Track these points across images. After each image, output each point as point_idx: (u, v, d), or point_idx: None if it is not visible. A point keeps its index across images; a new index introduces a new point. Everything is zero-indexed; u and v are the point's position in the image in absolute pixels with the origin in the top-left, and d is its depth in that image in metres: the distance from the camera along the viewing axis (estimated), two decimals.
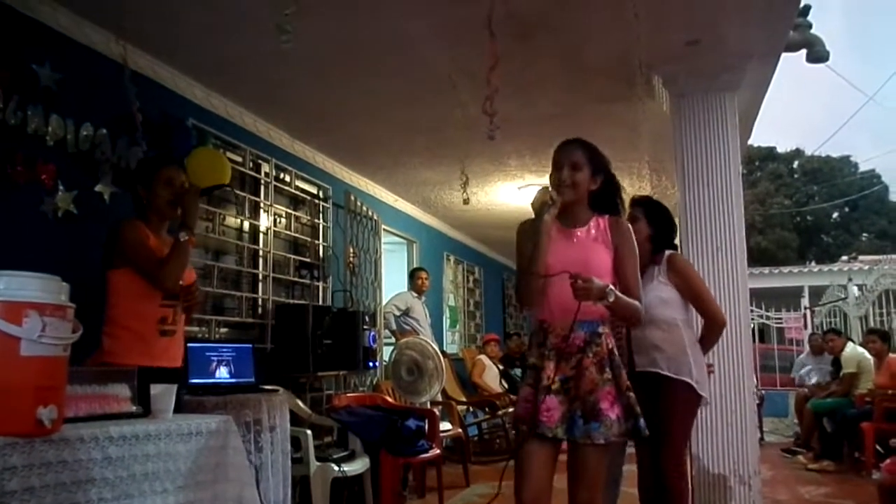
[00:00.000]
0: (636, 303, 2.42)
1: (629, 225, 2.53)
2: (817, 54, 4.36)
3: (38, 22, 3.07)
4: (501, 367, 8.27)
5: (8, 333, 1.63)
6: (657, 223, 3.32)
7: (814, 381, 8.09)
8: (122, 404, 2.13)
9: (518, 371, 8.08)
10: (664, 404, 3.12)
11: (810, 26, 4.31)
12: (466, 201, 4.64)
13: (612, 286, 2.31)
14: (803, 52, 4.36)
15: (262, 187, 4.84)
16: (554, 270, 2.36)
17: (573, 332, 2.35)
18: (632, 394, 2.39)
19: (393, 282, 7.06)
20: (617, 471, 3.71)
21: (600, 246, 2.45)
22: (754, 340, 8.92)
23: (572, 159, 2.46)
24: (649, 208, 3.36)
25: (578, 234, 2.47)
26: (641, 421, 2.37)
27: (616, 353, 2.42)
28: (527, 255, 2.43)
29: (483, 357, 8.11)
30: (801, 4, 3.96)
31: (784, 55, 3.95)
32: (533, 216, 2.49)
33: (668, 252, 3.29)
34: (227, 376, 3.53)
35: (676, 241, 3.49)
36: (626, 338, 3.36)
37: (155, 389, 2.19)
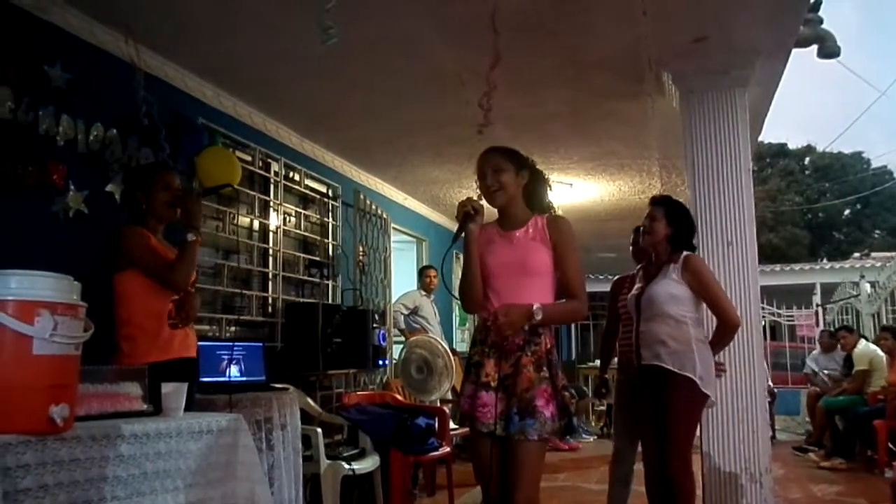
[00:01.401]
0: (570, 304, 2.48)
1: (567, 221, 2.56)
2: (828, 50, 4.32)
3: (48, 23, 3.09)
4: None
5: (20, 332, 1.64)
6: (676, 223, 3.32)
7: (826, 372, 8.06)
8: (133, 403, 2.14)
9: None
10: (667, 399, 3.13)
11: (821, 21, 4.27)
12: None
13: (536, 306, 2.36)
14: (814, 47, 4.32)
15: (272, 186, 4.85)
16: (495, 272, 2.47)
17: None
18: (567, 393, 2.45)
19: (402, 280, 7.07)
20: (628, 469, 3.71)
21: (538, 244, 2.49)
22: (765, 338, 8.88)
23: (492, 164, 2.52)
24: (669, 208, 3.35)
25: (517, 235, 2.52)
26: (574, 420, 2.50)
27: (554, 352, 2.47)
28: (463, 267, 2.53)
29: None
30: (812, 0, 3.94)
31: (795, 51, 3.92)
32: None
33: (685, 253, 3.28)
34: (238, 375, 3.55)
35: (694, 242, 3.48)
36: (635, 332, 3.36)
37: (166, 388, 2.20)
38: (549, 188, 2.66)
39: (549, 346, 2.46)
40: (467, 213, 2.46)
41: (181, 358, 2.75)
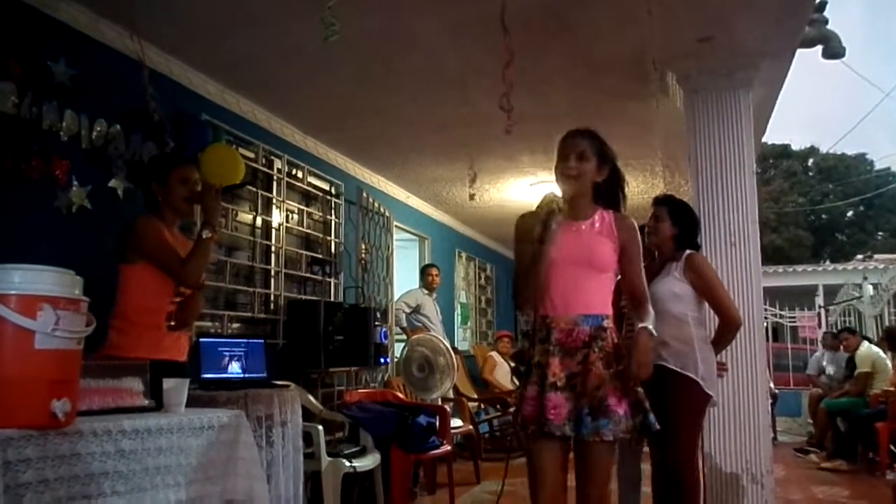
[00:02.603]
0: (649, 310, 2.41)
1: (634, 222, 2.50)
2: (833, 50, 4.31)
3: (53, 18, 3.09)
4: (513, 364, 8.25)
5: (22, 326, 1.64)
6: (682, 223, 3.32)
7: (829, 371, 8.06)
8: (134, 398, 2.15)
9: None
10: (669, 399, 3.11)
11: (826, 22, 4.26)
12: (472, 197, 4.65)
13: (648, 328, 2.32)
14: (819, 48, 4.31)
15: (275, 183, 4.85)
16: (557, 263, 2.35)
17: (577, 326, 2.34)
18: (640, 388, 2.37)
19: (404, 278, 7.07)
20: (635, 473, 3.69)
21: (605, 239, 2.41)
22: (768, 339, 8.88)
23: (579, 149, 2.43)
24: (674, 208, 3.35)
25: (583, 226, 2.44)
26: (651, 416, 2.36)
27: (622, 347, 2.40)
28: (527, 256, 2.38)
29: (494, 354, 8.10)
30: (817, 0, 3.93)
31: (800, 51, 3.92)
32: (536, 212, 2.42)
33: (688, 251, 3.28)
34: (240, 371, 3.55)
35: (698, 241, 3.48)
36: None
37: (167, 384, 2.20)
38: (624, 194, 2.54)
39: (615, 340, 2.39)
40: (552, 209, 2.35)
41: (169, 360, 2.67)
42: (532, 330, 2.44)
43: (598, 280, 2.39)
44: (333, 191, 5.64)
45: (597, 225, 2.44)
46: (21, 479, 1.59)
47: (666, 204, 3.37)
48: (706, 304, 3.28)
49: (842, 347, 7.80)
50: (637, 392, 2.35)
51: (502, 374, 7.93)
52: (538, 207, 2.40)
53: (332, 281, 5.54)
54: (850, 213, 27.44)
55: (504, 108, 2.76)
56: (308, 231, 5.30)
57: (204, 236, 2.70)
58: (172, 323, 2.74)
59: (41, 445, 1.65)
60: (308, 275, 5.27)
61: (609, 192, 2.51)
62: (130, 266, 2.68)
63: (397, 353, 6.16)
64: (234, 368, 3.54)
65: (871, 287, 10.21)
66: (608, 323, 2.38)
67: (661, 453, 3.21)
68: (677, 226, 3.30)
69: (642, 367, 2.29)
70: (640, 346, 2.30)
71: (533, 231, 2.36)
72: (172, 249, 2.70)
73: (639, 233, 2.48)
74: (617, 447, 3.83)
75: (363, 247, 5.75)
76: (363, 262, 5.72)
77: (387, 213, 6.23)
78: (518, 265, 2.47)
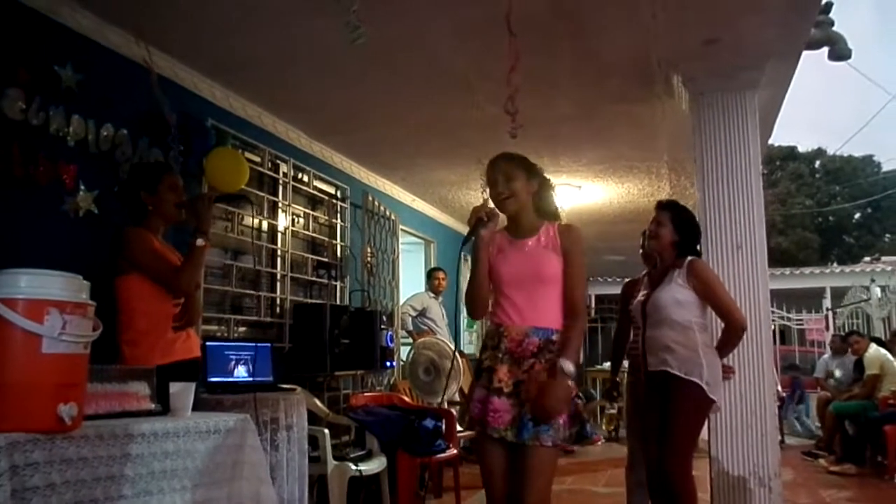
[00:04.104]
0: (578, 328, 2.45)
1: (579, 230, 2.55)
2: (839, 52, 4.30)
3: (59, 24, 3.11)
4: None
5: (30, 331, 1.65)
6: (682, 229, 3.31)
7: (837, 374, 8.02)
8: (141, 402, 2.15)
9: None
10: (673, 404, 3.11)
11: (832, 24, 4.25)
12: (486, 202, 4.64)
13: (564, 365, 2.32)
14: (825, 49, 4.30)
15: (281, 187, 4.86)
16: (508, 282, 2.46)
17: (528, 337, 2.40)
18: (579, 401, 2.44)
19: (410, 282, 7.07)
20: (644, 473, 3.68)
21: (551, 253, 2.47)
22: (775, 342, 8.84)
23: (503, 171, 2.51)
24: (675, 213, 3.34)
25: (529, 243, 2.51)
26: (588, 427, 2.47)
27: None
28: (471, 273, 2.51)
29: None
30: (823, 2, 3.92)
31: (806, 53, 3.90)
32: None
33: (689, 257, 3.27)
34: (246, 375, 3.55)
35: (698, 248, 3.48)
36: (642, 338, 3.35)
37: (174, 388, 2.21)
38: (554, 194, 2.65)
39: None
40: (480, 218, 2.44)
41: (184, 360, 2.73)
42: (486, 336, 2.54)
43: (546, 293, 2.45)
44: (339, 194, 5.64)
45: (542, 239, 2.51)
46: (28, 483, 1.60)
47: (669, 209, 3.37)
48: (710, 310, 3.28)
49: (850, 350, 7.76)
50: (576, 404, 2.42)
51: None
52: (468, 221, 2.50)
53: (338, 284, 5.54)
54: (857, 216, 27.33)
55: (509, 112, 2.76)
56: (314, 235, 5.31)
57: (198, 244, 2.71)
58: (177, 323, 2.76)
59: (48, 449, 1.66)
60: (314, 278, 5.27)
61: (544, 200, 2.59)
62: (126, 277, 2.69)
63: (403, 357, 6.16)
64: (241, 372, 3.55)
65: (878, 289, 10.17)
66: (556, 336, 2.43)
67: (657, 455, 3.21)
68: (678, 232, 3.30)
69: (555, 407, 2.31)
70: (555, 384, 2.31)
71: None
72: (164, 258, 2.73)
73: (582, 237, 2.54)
74: (627, 454, 3.87)
75: (369, 250, 5.75)
76: (369, 265, 5.73)
77: (392, 217, 6.23)
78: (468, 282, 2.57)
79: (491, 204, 2.53)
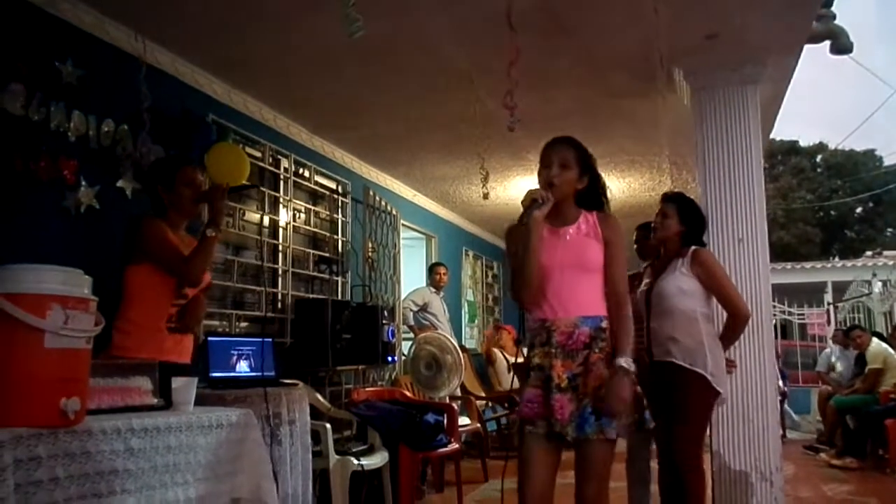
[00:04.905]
0: (627, 319, 2.41)
1: (618, 220, 2.52)
2: (841, 46, 4.28)
3: (60, 19, 3.11)
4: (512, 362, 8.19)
5: (32, 326, 1.65)
6: (689, 221, 3.32)
7: (839, 368, 8.01)
8: (143, 397, 2.15)
9: None
10: (678, 395, 3.11)
11: (834, 17, 4.23)
12: (486, 196, 4.64)
13: (623, 361, 2.30)
14: (827, 43, 4.29)
15: (282, 182, 4.86)
16: (549, 270, 2.39)
17: (577, 328, 2.36)
18: (638, 387, 2.43)
19: (412, 277, 7.08)
20: (645, 472, 3.68)
21: (592, 241, 2.45)
22: (776, 336, 8.84)
23: (561, 157, 2.46)
24: (682, 205, 3.35)
25: (570, 231, 2.47)
26: (647, 413, 2.41)
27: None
28: (518, 257, 2.42)
29: (496, 350, 8.04)
30: None
31: (808, 47, 3.90)
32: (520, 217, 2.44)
33: (693, 247, 3.28)
34: (248, 370, 3.56)
35: (704, 238, 3.48)
36: (646, 329, 3.35)
37: (176, 383, 2.21)
38: (606, 199, 2.59)
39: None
40: (534, 199, 2.38)
41: (173, 362, 2.65)
42: (531, 333, 2.47)
43: (590, 281, 2.42)
44: (340, 189, 5.64)
45: (582, 227, 2.47)
46: (32, 477, 1.60)
47: (675, 201, 3.38)
48: (714, 301, 3.28)
49: (852, 345, 7.75)
50: (638, 393, 2.41)
51: (500, 371, 7.81)
52: (522, 201, 2.44)
53: (340, 279, 5.55)
54: (859, 210, 27.29)
55: (507, 106, 2.76)
56: (315, 230, 5.31)
57: (208, 234, 2.71)
58: (173, 325, 2.75)
59: (51, 444, 1.66)
60: (315, 273, 5.28)
61: (592, 198, 2.55)
62: (135, 267, 2.69)
63: (405, 352, 6.16)
64: (243, 367, 3.55)
65: (880, 283, 10.17)
66: (606, 323, 2.41)
67: (666, 448, 3.22)
68: (684, 224, 3.31)
69: (620, 406, 2.29)
70: (618, 384, 2.29)
71: (519, 235, 2.40)
72: (174, 247, 2.71)
73: (621, 226, 2.50)
74: (626, 448, 3.87)
75: (370, 245, 5.76)
76: (370, 260, 5.73)
77: (394, 212, 6.23)
78: (512, 268, 2.51)
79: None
